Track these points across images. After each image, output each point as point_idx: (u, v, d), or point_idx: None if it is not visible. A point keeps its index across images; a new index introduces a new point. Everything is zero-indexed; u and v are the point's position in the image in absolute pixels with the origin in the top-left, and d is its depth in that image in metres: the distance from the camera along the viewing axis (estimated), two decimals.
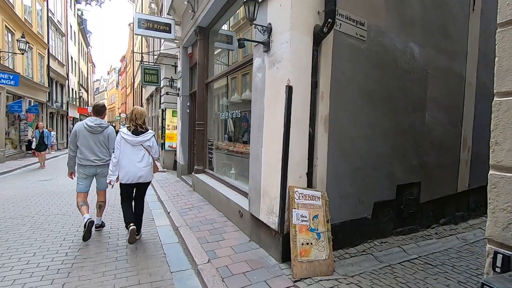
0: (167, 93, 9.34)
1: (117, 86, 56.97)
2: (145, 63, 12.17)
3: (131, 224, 3.49)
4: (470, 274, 3.26)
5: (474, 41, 5.52)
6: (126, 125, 3.72)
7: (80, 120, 30.42)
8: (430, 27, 4.46)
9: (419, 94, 4.36)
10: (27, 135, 14.48)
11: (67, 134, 24.12)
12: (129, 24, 30.51)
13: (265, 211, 3.11)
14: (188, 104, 7.94)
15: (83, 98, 32.38)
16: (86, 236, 3.54)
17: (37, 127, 11.52)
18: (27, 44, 12.24)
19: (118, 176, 3.53)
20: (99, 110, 4.00)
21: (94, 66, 55.33)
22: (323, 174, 3.10)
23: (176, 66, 9.44)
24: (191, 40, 7.18)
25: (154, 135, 3.74)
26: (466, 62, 5.39)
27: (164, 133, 10.80)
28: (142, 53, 17.40)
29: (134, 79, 28.70)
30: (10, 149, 13.40)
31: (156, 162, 3.87)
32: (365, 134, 3.56)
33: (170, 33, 7.70)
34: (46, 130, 11.85)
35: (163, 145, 10.81)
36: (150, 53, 12.40)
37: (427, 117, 4.52)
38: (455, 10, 4.98)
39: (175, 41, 8.10)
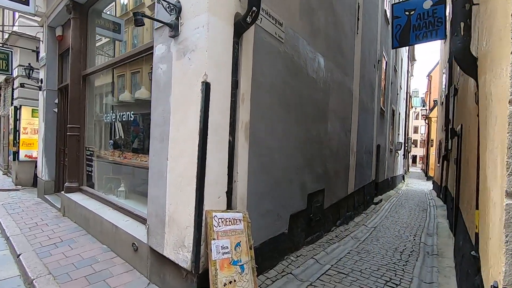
0: (22, 85, 7.00)
1: None
2: None
3: None
4: (376, 276, 3.44)
5: (357, 61, 6.32)
6: None
7: None
8: (331, 42, 4.72)
9: (323, 104, 4.52)
10: None
11: None
12: None
13: (172, 244, 2.37)
14: (56, 101, 6.08)
15: None
16: None
17: None
18: None
19: None
20: None
21: None
22: (243, 191, 2.62)
23: (37, 52, 7.19)
24: (62, 18, 5.52)
25: None
26: (353, 79, 6.08)
27: (18, 138, 8.10)
28: None
29: None
30: None
31: None
32: (281, 144, 3.31)
33: (28, 5, 5.73)
34: None
35: (16, 154, 8.08)
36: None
37: (329, 126, 4.75)
38: (346, 29, 5.51)
39: (36, 17, 6.10)
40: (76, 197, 4.55)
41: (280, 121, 3.26)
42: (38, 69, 6.65)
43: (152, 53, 2.76)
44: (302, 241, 3.98)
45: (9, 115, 10.47)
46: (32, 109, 8.19)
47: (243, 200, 2.62)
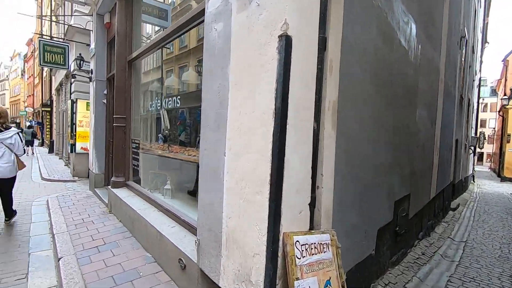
0: (73, 76, 7.03)
1: (22, 74, 47.29)
2: (47, 38, 9.28)
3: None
4: None
5: (445, 35, 5.04)
6: None
7: None
8: (423, 3, 3.64)
9: (413, 84, 3.49)
10: None
11: None
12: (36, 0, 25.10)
13: (232, 274, 1.69)
14: (105, 92, 5.90)
15: None
16: None
17: None
18: None
19: None
20: None
21: None
22: (329, 202, 1.83)
23: (89, 44, 7.18)
24: (109, 3, 5.22)
25: (18, 133, 3.94)
26: (440, 56, 4.85)
27: (75, 131, 8.31)
28: (42, 35, 13.92)
29: (42, 67, 23.52)
30: None
31: (20, 160, 3.99)
32: (369, 135, 2.43)
33: None
34: None
35: (73, 146, 8.31)
36: (59, 22, 9.56)
37: (417, 114, 3.70)
38: None
39: (86, 5, 5.96)
40: (122, 193, 4.19)
41: (368, 103, 2.38)
42: (89, 60, 6.58)
43: (203, 20, 2.09)
44: (387, 262, 3.06)
45: (67, 109, 11.04)
46: (87, 102, 8.32)
47: (328, 214, 1.83)
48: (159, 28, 4.63)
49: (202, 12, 2.40)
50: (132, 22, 4.61)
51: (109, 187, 4.59)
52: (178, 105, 3.27)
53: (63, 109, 12.86)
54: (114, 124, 4.61)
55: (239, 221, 1.64)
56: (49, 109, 18.98)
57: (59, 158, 13.31)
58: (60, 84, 12.83)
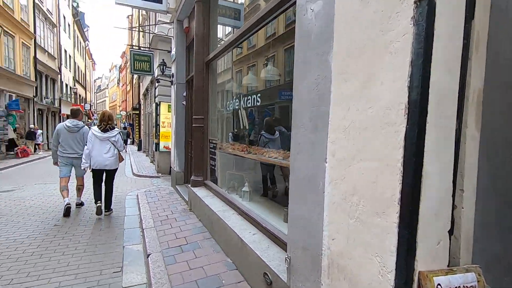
0: (157, 80, 7.61)
1: (118, 83, 55.41)
2: (135, 48, 10.41)
3: (99, 202, 4.58)
4: None
5: None
6: (97, 124, 4.61)
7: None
8: None
9: None
10: (7, 134, 12.87)
11: None
12: (128, 17, 28.89)
13: None
14: (184, 94, 6.20)
15: (79, 95, 30.84)
16: (66, 215, 4.53)
17: None
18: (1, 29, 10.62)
19: (90, 163, 4.42)
20: (74, 113, 4.91)
21: (95, 63, 53.88)
22: (469, 225, 1.34)
23: (170, 51, 7.72)
24: (187, 8, 5.43)
25: (119, 132, 4.69)
26: None
27: (159, 132, 9.10)
28: (132, 46, 15.73)
29: (133, 75, 27.03)
30: None
31: (121, 154, 4.74)
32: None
33: (161, 3, 5.96)
34: None
35: (157, 145, 9.12)
36: (146, 32, 10.70)
37: None
38: None
39: (168, 14, 6.36)
40: (201, 192, 4.26)
41: None
42: (170, 66, 7.05)
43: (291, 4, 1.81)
44: None
45: (152, 111, 12.25)
46: (168, 105, 9.02)
47: (468, 243, 1.35)
48: (232, 28, 4.62)
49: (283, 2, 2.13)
50: (209, 24, 4.65)
51: (189, 185, 4.75)
52: (258, 103, 3.09)
53: (149, 111, 14.37)
54: (193, 125, 4.75)
55: (348, 246, 1.31)
56: (137, 112, 21.62)
57: (146, 156, 14.96)
58: (146, 90, 14.37)
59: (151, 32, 9.77)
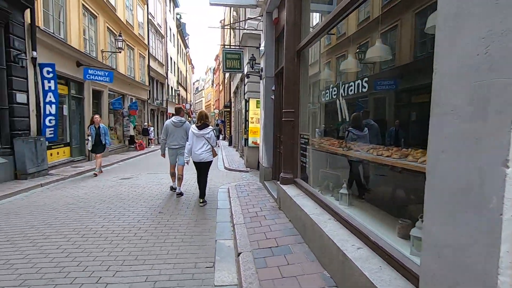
0: (247, 76, 7.69)
1: (212, 84, 60.98)
2: (227, 47, 10.91)
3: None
4: None
5: None
6: (195, 123, 5.09)
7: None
8: None
9: None
10: (129, 130, 15.53)
11: None
12: (220, 21, 31.14)
13: None
14: (273, 88, 6.03)
15: (181, 96, 35.13)
16: (171, 190, 5.94)
17: (92, 122, 8.10)
18: (124, 43, 12.75)
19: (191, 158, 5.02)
20: (177, 111, 5.90)
21: (193, 67, 60.65)
22: None
23: (259, 47, 7.70)
24: None
25: (213, 130, 5.09)
26: None
27: (248, 127, 9.31)
28: (224, 45, 16.64)
29: (224, 75, 29.12)
30: (116, 144, 14.50)
31: (214, 149, 5.11)
32: None
33: None
34: (104, 125, 8.31)
35: (246, 141, 9.35)
36: (236, 28, 11.13)
37: None
38: None
39: (257, 7, 6.28)
40: (291, 191, 3.98)
41: None
42: (258, 61, 7.00)
43: None
44: None
45: (241, 108, 12.73)
46: (257, 100, 9.12)
47: None
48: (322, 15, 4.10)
49: None
50: (300, 10, 4.29)
51: (278, 182, 4.54)
52: (365, 90, 2.56)
53: (238, 108, 15.04)
54: (282, 119, 4.50)
55: None
56: (228, 109, 23.11)
57: (236, 150, 15.76)
58: (237, 88, 15.07)
59: (240, 28, 10.07)
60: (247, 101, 9.31)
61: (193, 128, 4.98)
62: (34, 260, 2.95)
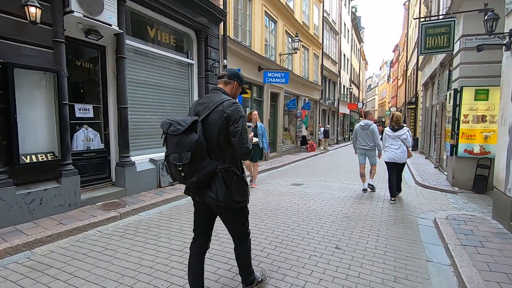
0: (478, 49, 5.05)
1: (388, 80, 54.38)
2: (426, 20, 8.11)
3: (392, 200, 5.26)
4: None
5: None
6: (388, 125, 5.57)
7: (350, 116, 31.15)
8: None
9: None
10: (301, 131, 15.58)
11: (337, 130, 25.06)
12: (404, 4, 26.43)
13: None
14: None
15: (353, 94, 32.97)
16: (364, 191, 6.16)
17: (249, 119, 6.36)
18: (300, 43, 12.62)
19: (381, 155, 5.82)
20: (365, 114, 6.59)
21: (367, 63, 56.24)
22: None
23: (487, 10, 4.85)
24: None
25: (408, 131, 5.29)
26: None
27: (458, 129, 6.45)
28: (419, 18, 13.19)
29: (407, 66, 24.45)
30: (289, 144, 14.89)
31: (409, 150, 5.32)
32: None
33: None
34: (262, 124, 6.72)
35: (453, 148, 6.53)
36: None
37: None
38: None
39: None
40: None
41: None
42: (494, 30, 4.30)
43: None
44: None
45: (440, 103, 9.42)
46: (476, 90, 6.14)
47: None
48: None
49: None
50: None
51: None
52: None
53: (432, 103, 11.56)
54: None
55: None
56: (413, 106, 18.95)
57: (425, 158, 12.28)
58: (431, 77, 11.61)
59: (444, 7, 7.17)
60: (457, 92, 6.46)
61: (387, 130, 5.35)
62: None
